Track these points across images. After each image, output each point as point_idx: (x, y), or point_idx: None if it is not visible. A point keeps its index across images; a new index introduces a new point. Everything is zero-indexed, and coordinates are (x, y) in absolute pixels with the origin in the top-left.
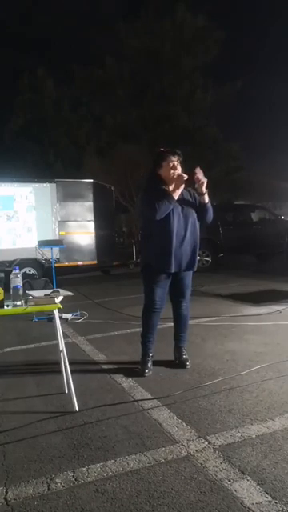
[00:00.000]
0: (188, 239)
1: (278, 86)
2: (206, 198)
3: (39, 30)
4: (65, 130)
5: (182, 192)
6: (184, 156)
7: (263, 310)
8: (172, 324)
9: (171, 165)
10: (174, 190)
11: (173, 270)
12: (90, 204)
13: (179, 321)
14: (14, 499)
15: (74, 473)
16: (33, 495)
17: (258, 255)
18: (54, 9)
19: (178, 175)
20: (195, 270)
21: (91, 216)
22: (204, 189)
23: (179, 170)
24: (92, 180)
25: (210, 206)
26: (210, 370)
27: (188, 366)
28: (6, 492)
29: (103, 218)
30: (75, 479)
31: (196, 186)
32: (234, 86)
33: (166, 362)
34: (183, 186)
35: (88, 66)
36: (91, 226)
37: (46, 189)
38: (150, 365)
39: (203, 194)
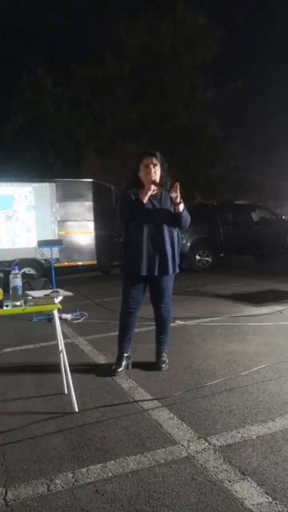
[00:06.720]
0: (162, 243)
1: (278, 85)
2: (181, 207)
3: (39, 29)
4: (65, 129)
5: (161, 194)
6: (184, 156)
7: (264, 310)
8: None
9: (145, 166)
10: (145, 193)
11: (142, 274)
12: (89, 204)
13: (158, 323)
14: (14, 500)
15: (73, 474)
16: (32, 496)
17: (258, 255)
18: (54, 8)
19: (147, 177)
20: (170, 272)
21: (91, 216)
22: (178, 199)
23: (153, 170)
24: (92, 180)
25: (185, 214)
26: (211, 371)
27: (163, 369)
28: (6, 493)
29: (103, 217)
30: (75, 480)
31: (172, 195)
32: (235, 86)
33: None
34: (152, 189)
35: (88, 64)
36: (91, 225)
37: (46, 188)
38: (123, 365)
39: (177, 204)
